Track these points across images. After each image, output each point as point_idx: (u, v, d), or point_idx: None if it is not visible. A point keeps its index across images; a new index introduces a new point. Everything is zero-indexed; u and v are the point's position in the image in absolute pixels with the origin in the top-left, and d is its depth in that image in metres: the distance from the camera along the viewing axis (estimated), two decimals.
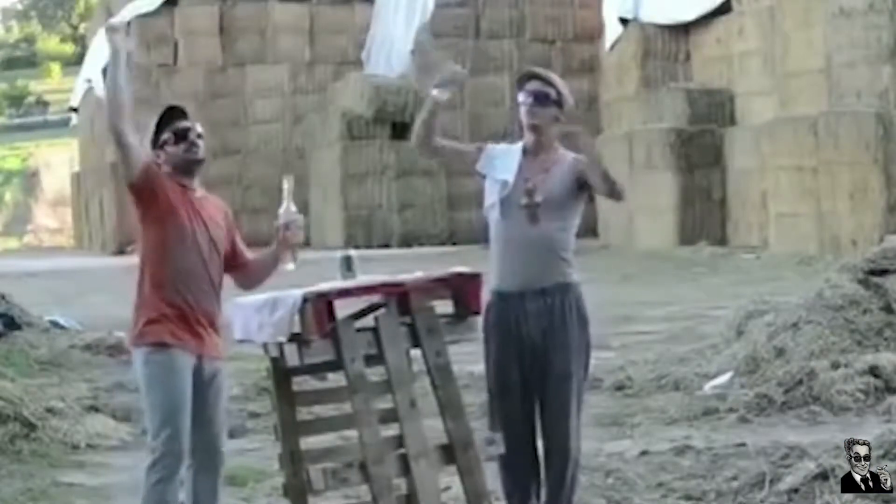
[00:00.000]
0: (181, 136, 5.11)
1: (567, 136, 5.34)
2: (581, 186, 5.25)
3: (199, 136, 5.16)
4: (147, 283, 5.07)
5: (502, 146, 5.49)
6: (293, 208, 5.13)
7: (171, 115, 5.17)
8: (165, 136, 5.12)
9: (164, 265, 5.03)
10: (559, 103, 5.31)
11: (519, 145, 5.40)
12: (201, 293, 5.06)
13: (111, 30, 5.07)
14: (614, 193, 5.25)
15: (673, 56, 26.32)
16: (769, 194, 21.15)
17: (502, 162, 5.35)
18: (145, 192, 5.03)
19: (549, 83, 5.33)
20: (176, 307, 5.02)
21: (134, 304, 5.11)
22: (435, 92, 5.25)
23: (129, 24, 5.05)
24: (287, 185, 5.17)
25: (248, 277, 5.28)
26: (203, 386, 5.08)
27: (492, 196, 5.32)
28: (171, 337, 5.00)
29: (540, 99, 5.29)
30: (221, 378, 5.19)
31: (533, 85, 5.33)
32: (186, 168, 5.14)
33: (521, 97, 5.33)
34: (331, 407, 5.80)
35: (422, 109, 5.36)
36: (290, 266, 5.14)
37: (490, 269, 5.30)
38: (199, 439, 5.07)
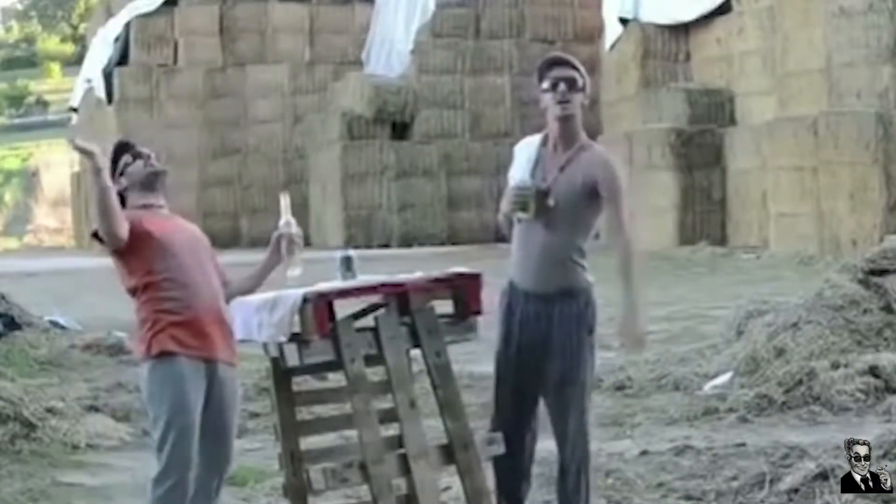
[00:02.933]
0: (137, 155, 5.21)
1: None
2: (594, 192, 5.06)
3: (156, 156, 5.28)
4: (147, 304, 5.03)
5: (524, 142, 5.26)
6: (293, 221, 5.17)
7: (125, 147, 5.26)
8: (124, 159, 5.20)
9: (157, 284, 5.00)
10: (584, 89, 5.10)
11: (537, 138, 5.20)
12: (200, 293, 5.03)
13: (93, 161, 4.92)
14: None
15: (673, 56, 26.32)
16: (769, 194, 21.16)
17: (522, 156, 5.17)
18: (131, 243, 5.03)
19: (575, 67, 5.10)
20: (178, 314, 4.98)
21: (137, 325, 5.08)
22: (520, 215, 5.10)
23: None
24: (284, 201, 5.22)
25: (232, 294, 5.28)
26: (215, 391, 5.00)
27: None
28: (176, 344, 4.94)
29: (571, 85, 5.05)
30: (235, 383, 5.11)
31: (559, 71, 5.07)
32: (150, 182, 5.18)
33: (545, 85, 5.07)
34: (331, 407, 5.81)
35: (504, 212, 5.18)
36: (298, 271, 5.12)
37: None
38: (209, 444, 4.99)
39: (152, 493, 4.97)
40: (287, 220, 5.19)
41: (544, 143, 5.16)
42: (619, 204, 5.09)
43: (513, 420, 5.11)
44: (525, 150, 5.20)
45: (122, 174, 5.18)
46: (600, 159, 5.11)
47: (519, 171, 5.12)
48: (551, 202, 5.02)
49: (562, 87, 5.03)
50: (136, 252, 5.01)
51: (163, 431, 4.93)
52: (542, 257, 5.08)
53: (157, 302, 5.01)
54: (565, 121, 5.07)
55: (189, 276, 5.03)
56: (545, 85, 5.07)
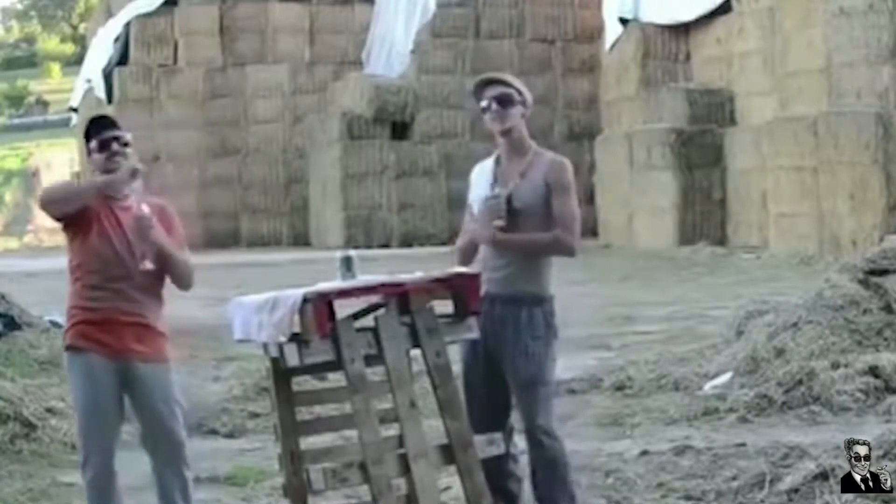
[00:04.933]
0: (104, 146, 5.22)
1: None
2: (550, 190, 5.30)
3: (126, 144, 5.25)
4: (72, 289, 5.24)
5: (478, 168, 5.52)
6: (145, 208, 5.16)
7: (99, 124, 5.28)
8: (92, 145, 5.25)
9: (85, 272, 5.20)
10: (523, 102, 5.37)
11: (490, 161, 5.45)
12: (124, 297, 5.17)
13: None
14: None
15: (673, 56, 26.32)
16: (769, 194, 21.15)
17: (480, 180, 5.42)
18: (76, 225, 5.20)
19: (508, 84, 5.37)
20: (96, 311, 5.16)
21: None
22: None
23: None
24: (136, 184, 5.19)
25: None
26: (136, 386, 5.18)
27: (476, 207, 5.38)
28: (86, 341, 5.14)
29: (503, 102, 5.31)
30: (161, 375, 5.24)
31: (492, 90, 5.34)
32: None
33: (482, 104, 5.34)
34: (331, 407, 5.81)
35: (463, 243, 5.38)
36: (148, 265, 5.16)
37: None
38: (152, 435, 5.20)
39: (83, 478, 5.21)
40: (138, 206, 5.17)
41: (498, 161, 5.43)
42: (564, 198, 5.29)
43: (487, 423, 5.18)
44: (482, 174, 5.45)
45: (90, 156, 5.27)
46: (555, 160, 5.39)
47: (481, 192, 5.35)
48: (517, 204, 5.25)
49: (494, 105, 5.31)
50: (75, 236, 5.22)
51: (79, 423, 5.20)
52: (514, 260, 5.26)
53: (79, 292, 5.21)
54: (507, 134, 5.36)
55: (117, 279, 5.16)
56: (483, 105, 5.36)
